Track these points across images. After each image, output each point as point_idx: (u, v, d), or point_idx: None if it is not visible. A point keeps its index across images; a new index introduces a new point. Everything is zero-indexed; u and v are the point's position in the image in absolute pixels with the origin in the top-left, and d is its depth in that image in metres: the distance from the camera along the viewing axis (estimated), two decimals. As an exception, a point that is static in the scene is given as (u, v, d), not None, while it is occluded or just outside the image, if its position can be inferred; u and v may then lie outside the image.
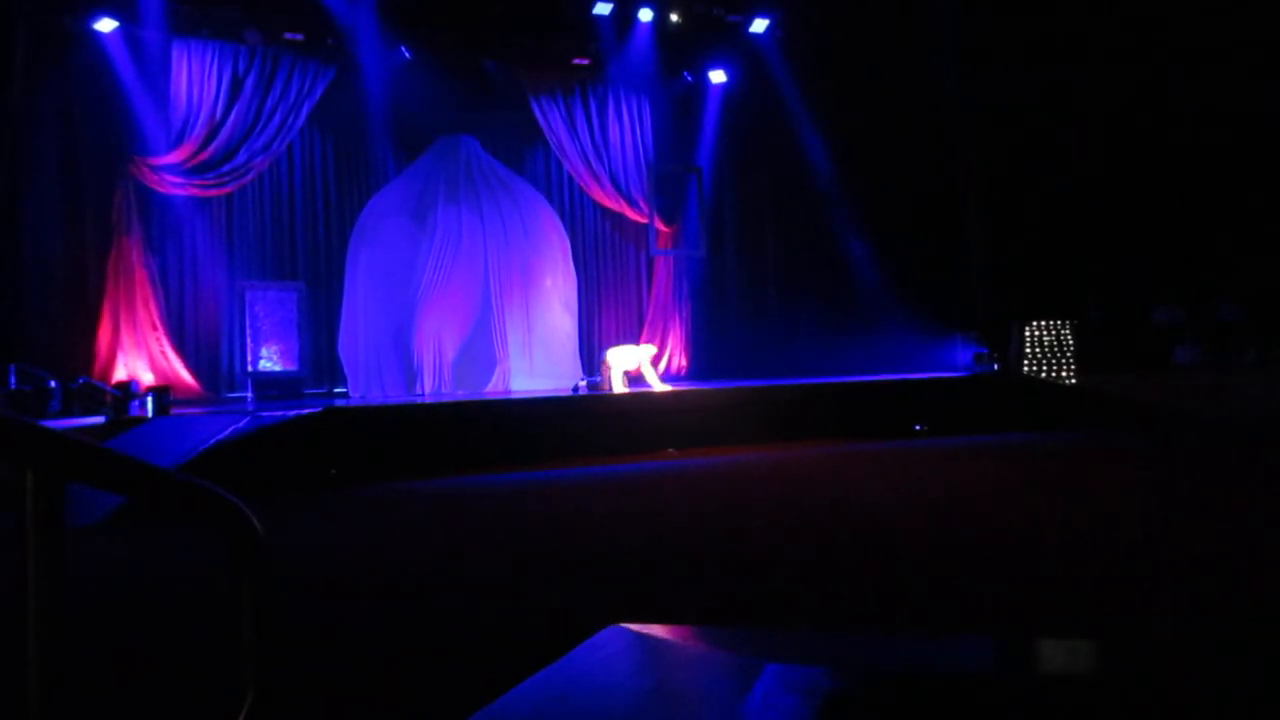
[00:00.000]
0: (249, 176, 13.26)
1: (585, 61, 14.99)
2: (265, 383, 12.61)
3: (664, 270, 16.10)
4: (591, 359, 14.09)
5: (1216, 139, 13.17)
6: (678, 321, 16.12)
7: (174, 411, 10.04)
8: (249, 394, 12.56)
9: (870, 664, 1.52)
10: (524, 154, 15.37)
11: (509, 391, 12.50)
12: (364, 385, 12.86)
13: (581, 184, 15.44)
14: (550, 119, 14.92)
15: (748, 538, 5.35)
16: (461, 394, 12.16)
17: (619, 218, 15.82)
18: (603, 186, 15.38)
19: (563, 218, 14.80)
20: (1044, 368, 12.89)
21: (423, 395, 12.19)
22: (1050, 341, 12.97)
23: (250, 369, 12.90)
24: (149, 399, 9.90)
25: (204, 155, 12.79)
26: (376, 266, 12.83)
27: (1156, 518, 5.54)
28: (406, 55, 13.94)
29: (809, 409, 11.04)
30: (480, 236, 13.04)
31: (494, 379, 12.88)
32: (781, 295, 15.83)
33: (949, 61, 14.36)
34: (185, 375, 12.64)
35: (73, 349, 11.81)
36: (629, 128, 15.62)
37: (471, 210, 13.10)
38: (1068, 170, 13.85)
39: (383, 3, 12.98)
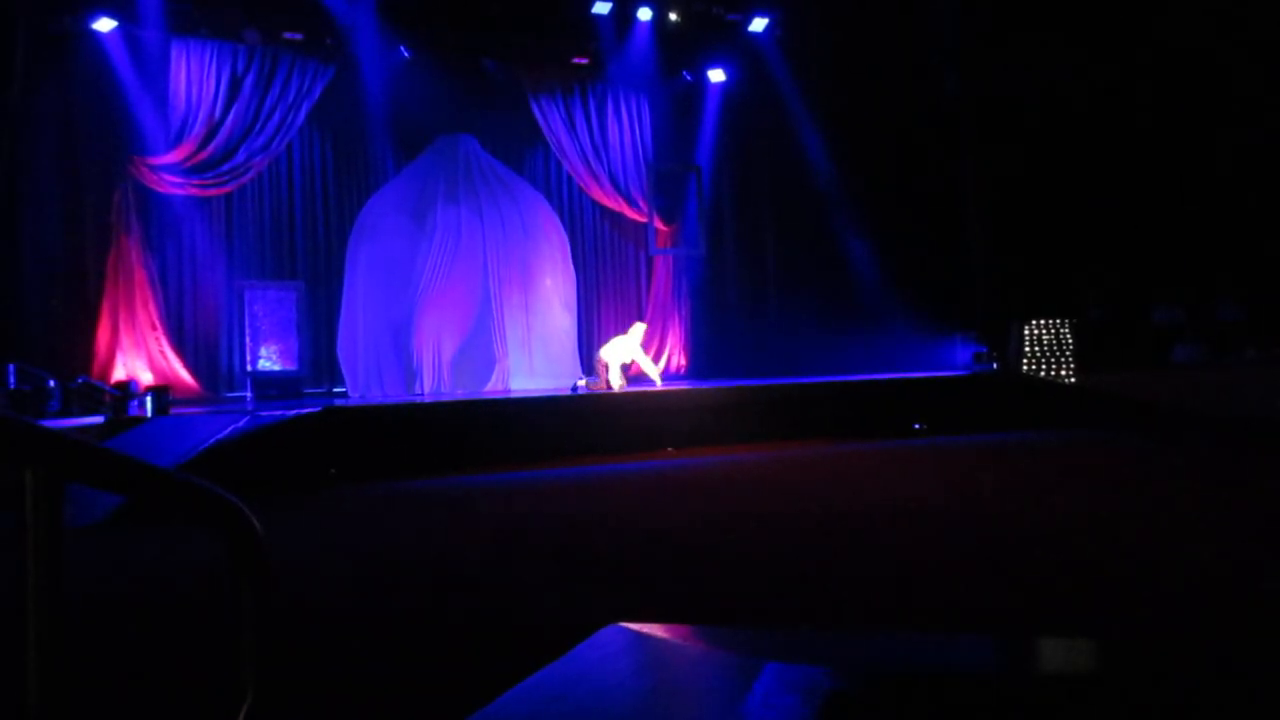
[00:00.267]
0: (248, 176, 13.26)
1: (584, 61, 14.99)
2: (264, 382, 12.61)
3: (663, 269, 16.10)
4: (591, 358, 14.09)
5: (1216, 138, 13.17)
6: (677, 320, 16.13)
7: (173, 411, 10.04)
8: (248, 393, 12.56)
9: (870, 663, 1.52)
10: (523, 153, 15.36)
11: (508, 391, 12.50)
12: (363, 385, 12.86)
13: (581, 183, 15.44)
14: (549, 118, 14.91)
15: (746, 536, 5.34)
16: (460, 393, 12.16)
17: (618, 217, 15.82)
18: (602, 186, 15.38)
19: (562, 217, 14.80)
20: (1043, 367, 12.89)
21: (422, 395, 12.18)
22: (1050, 340, 12.98)
23: (249, 368, 12.90)
24: (148, 398, 9.90)
25: (203, 155, 12.78)
26: (376, 266, 12.82)
27: (1154, 517, 5.54)
28: (406, 54, 13.94)
29: (808, 408, 11.03)
30: (479, 236, 13.03)
31: (493, 378, 12.88)
32: (781, 294, 15.83)
33: (948, 60, 14.36)
34: (184, 375, 12.64)
35: (72, 348, 11.82)
36: (628, 127, 15.62)
37: (471, 209, 13.10)
38: (1067, 169, 13.85)
39: (382, 2, 12.98)
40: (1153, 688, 1.31)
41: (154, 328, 12.53)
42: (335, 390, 13.57)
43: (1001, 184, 14.28)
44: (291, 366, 13.14)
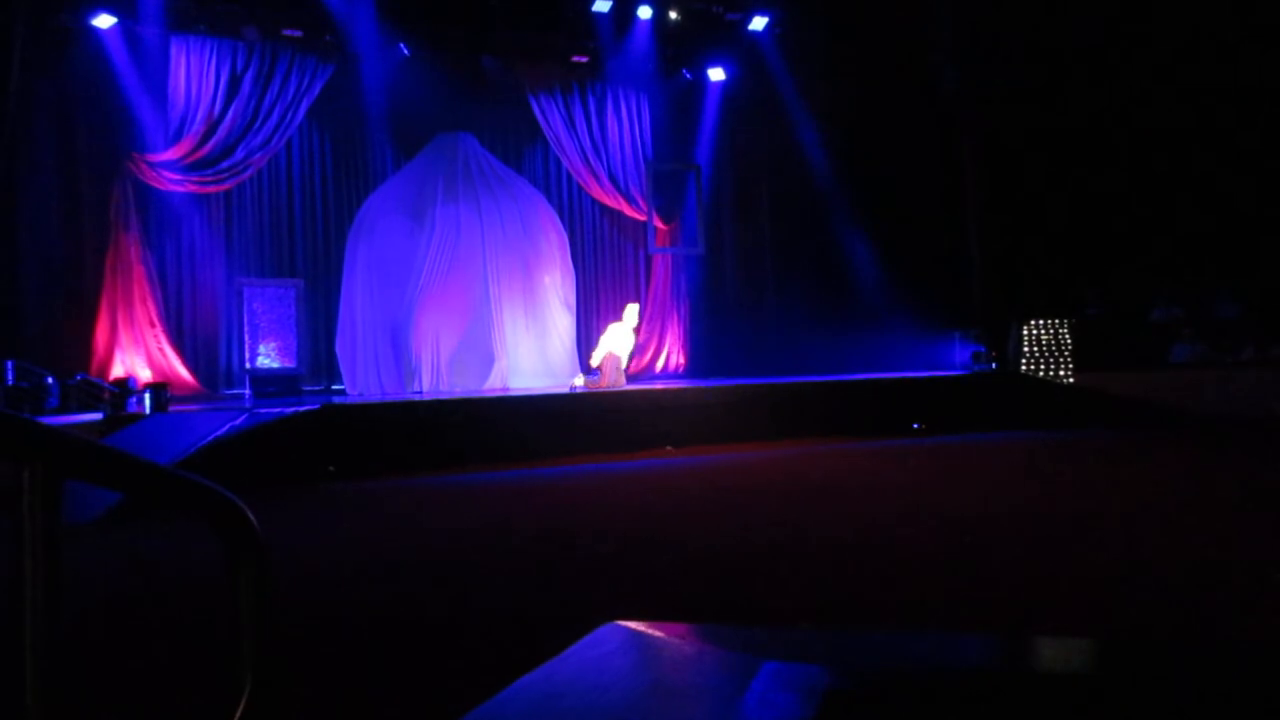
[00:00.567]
0: (247, 173, 13.25)
1: (584, 59, 14.98)
2: (263, 380, 12.61)
3: (662, 268, 16.10)
4: (589, 356, 14.09)
5: (1215, 137, 13.17)
6: (676, 319, 16.13)
7: (172, 408, 10.04)
8: (247, 391, 12.56)
9: (868, 662, 1.52)
10: (522, 151, 15.37)
11: (507, 389, 12.50)
12: (361, 382, 12.86)
13: (580, 181, 15.44)
14: (549, 116, 14.91)
15: (744, 534, 5.35)
16: (459, 391, 12.16)
17: (617, 215, 15.82)
18: (601, 184, 15.37)
19: (561, 215, 14.79)
20: (1042, 366, 12.90)
21: (420, 392, 12.18)
22: (1048, 340, 12.98)
23: (248, 366, 12.90)
24: (147, 395, 9.90)
25: (202, 152, 12.78)
26: (374, 263, 12.82)
27: (1153, 516, 5.55)
28: (405, 52, 13.94)
29: (807, 407, 11.04)
30: (478, 234, 13.03)
31: (492, 376, 12.88)
32: (779, 293, 15.83)
33: (948, 58, 14.36)
34: (183, 372, 12.64)
35: (70, 346, 11.81)
36: (627, 125, 15.62)
37: (470, 207, 13.09)
38: (1066, 168, 13.85)
39: (381, -1, 12.99)
40: (1152, 687, 1.31)
41: (153, 325, 12.53)
42: (334, 388, 13.57)
43: (1000, 182, 14.28)
44: (290, 364, 13.14)
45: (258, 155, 13.19)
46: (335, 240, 13.92)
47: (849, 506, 6.27)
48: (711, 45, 15.45)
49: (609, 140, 15.40)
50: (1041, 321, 13.04)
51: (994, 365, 13.38)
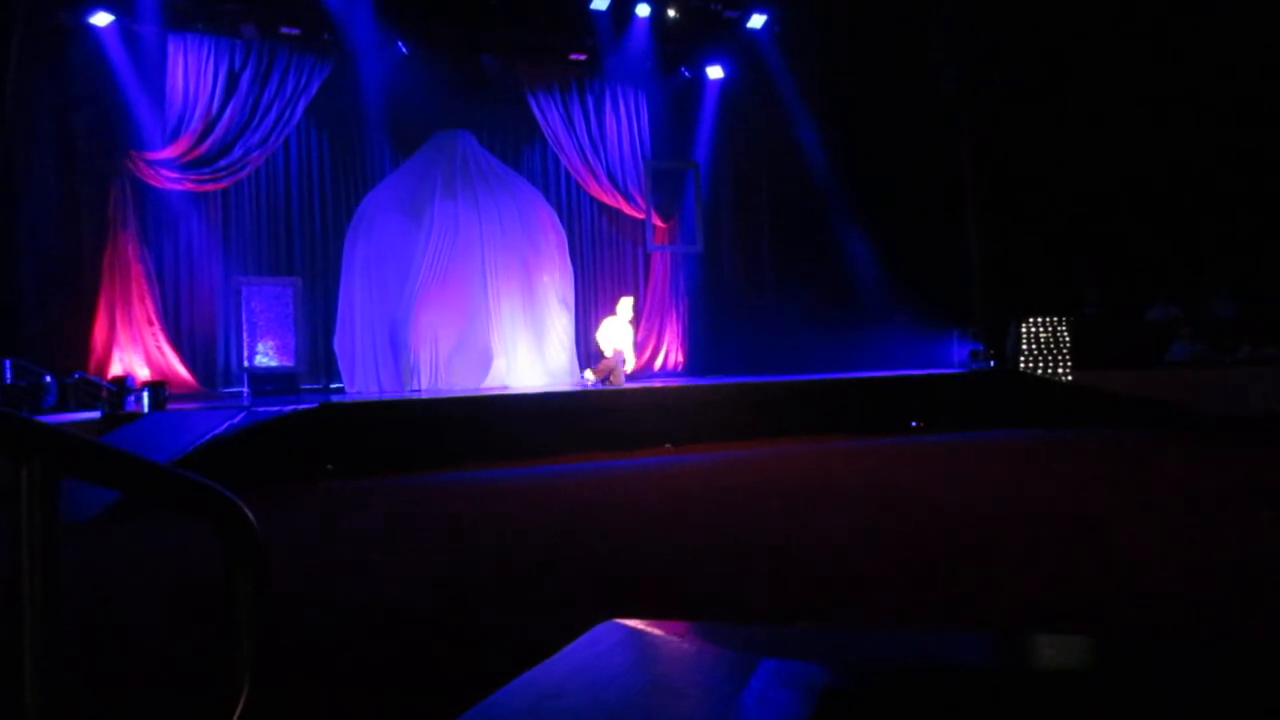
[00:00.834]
0: (245, 171, 13.24)
1: (582, 57, 14.97)
2: (261, 378, 12.59)
3: (661, 266, 16.11)
4: (588, 355, 14.10)
5: (1214, 135, 13.18)
6: (674, 317, 16.14)
7: (170, 407, 10.03)
8: (245, 389, 12.55)
9: (867, 660, 1.52)
10: (521, 149, 15.36)
11: (505, 387, 12.50)
12: (360, 381, 12.85)
13: (578, 179, 15.43)
14: (547, 114, 14.91)
15: (743, 533, 5.35)
16: (457, 389, 12.16)
17: (616, 213, 15.82)
18: (600, 182, 15.37)
19: (560, 213, 14.78)
20: (1040, 364, 12.90)
21: (419, 391, 12.18)
22: (1046, 338, 12.98)
23: (246, 364, 12.89)
24: (145, 394, 9.89)
25: (200, 150, 12.77)
26: (372, 262, 12.81)
27: (1151, 514, 5.55)
28: (403, 50, 13.93)
29: (806, 405, 11.05)
30: (477, 232, 13.02)
31: (490, 374, 12.87)
32: (778, 291, 15.84)
33: (947, 57, 14.35)
34: (181, 370, 12.64)
35: (68, 344, 11.81)
36: (626, 123, 15.62)
37: (468, 205, 13.08)
38: (1065, 167, 13.85)
39: (380, -3, 12.98)
40: (1151, 685, 1.32)
41: (151, 323, 12.52)
42: (332, 386, 13.57)
43: (999, 181, 14.28)
44: (288, 362, 13.13)
45: (256, 153, 13.18)
46: (333, 239, 13.91)
47: (848, 505, 6.28)
48: (710, 43, 15.44)
49: (607, 138, 15.40)
50: (1040, 320, 13.05)
51: (992, 363, 13.39)
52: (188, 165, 12.71)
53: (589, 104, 15.28)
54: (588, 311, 15.19)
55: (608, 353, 12.16)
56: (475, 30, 14.00)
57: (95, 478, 1.26)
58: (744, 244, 16.33)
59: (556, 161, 15.42)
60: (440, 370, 12.68)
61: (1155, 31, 13.12)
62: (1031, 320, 13.08)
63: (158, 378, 11.56)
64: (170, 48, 12.71)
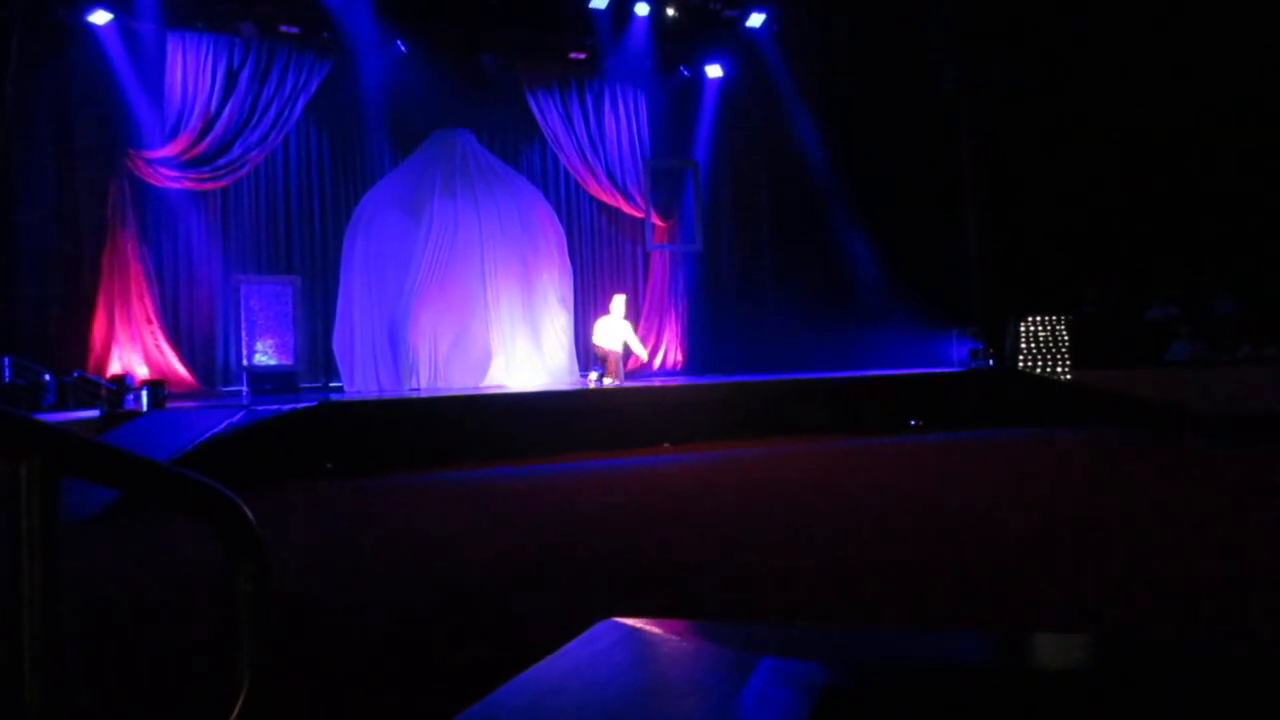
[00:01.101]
0: (244, 170, 13.24)
1: (581, 56, 14.97)
2: (260, 376, 12.60)
3: (660, 265, 16.11)
4: (587, 354, 14.11)
5: (1213, 134, 13.18)
6: (674, 316, 16.14)
7: (169, 405, 10.03)
8: (244, 388, 12.55)
9: (867, 659, 1.52)
10: (520, 148, 15.36)
11: (504, 386, 12.51)
12: (359, 379, 12.85)
13: (578, 178, 15.44)
14: (546, 113, 14.91)
15: (741, 533, 5.35)
16: (456, 388, 12.16)
17: (615, 212, 15.82)
18: (599, 181, 15.37)
19: (559, 212, 14.79)
20: (1039, 363, 12.91)
21: (418, 389, 12.18)
22: (1046, 337, 12.99)
23: (245, 363, 12.89)
24: (144, 393, 9.89)
25: (199, 149, 12.76)
26: (371, 260, 12.81)
27: (1150, 513, 5.56)
28: (402, 49, 13.93)
29: (804, 404, 11.05)
30: (476, 230, 13.02)
31: (489, 373, 12.88)
32: (778, 290, 15.85)
33: (946, 56, 14.35)
34: (180, 369, 12.64)
35: (68, 343, 11.81)
36: (625, 122, 15.62)
37: (467, 204, 13.08)
38: (1064, 166, 13.86)
39: (378, -4, 12.98)
40: (1149, 683, 1.32)
41: (150, 322, 12.52)
42: (331, 385, 13.57)
43: (998, 180, 14.29)
44: (287, 361, 13.13)
45: (254, 152, 13.18)
46: (332, 237, 13.91)
47: (847, 504, 6.28)
48: (709, 42, 15.45)
49: (607, 137, 15.40)
50: (1039, 319, 13.05)
51: (991, 362, 13.40)
52: (187, 164, 12.71)
53: (588, 103, 15.28)
54: (587, 310, 15.20)
55: (606, 348, 12.14)
56: (475, 29, 14.01)
57: (95, 476, 1.26)
58: (743, 243, 16.33)
59: (556, 160, 15.42)
60: (439, 369, 12.68)
61: (1155, 31, 13.12)
62: (1031, 319, 13.09)
63: (157, 376, 11.56)
64: (169, 46, 12.71)
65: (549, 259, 13.66)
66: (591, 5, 13.96)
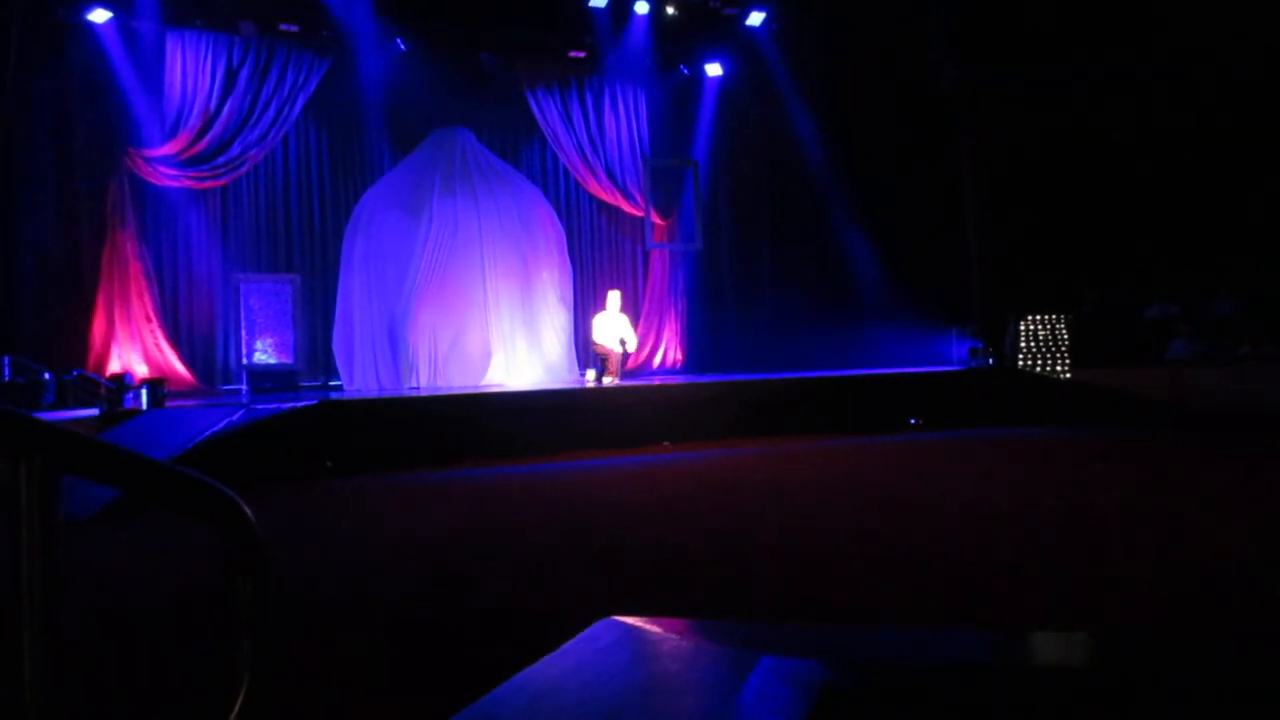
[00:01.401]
0: (243, 169, 13.24)
1: (581, 54, 14.97)
2: (260, 375, 12.61)
3: (659, 263, 16.11)
4: (587, 352, 14.11)
5: (1213, 133, 13.19)
6: (673, 315, 16.14)
7: (168, 404, 10.03)
8: (244, 386, 12.56)
9: (866, 657, 1.52)
10: (519, 147, 15.35)
11: (504, 385, 12.51)
12: (359, 378, 12.85)
13: (577, 177, 15.43)
14: (546, 112, 14.90)
15: (740, 532, 5.35)
16: (456, 387, 12.16)
17: (615, 211, 15.82)
18: (598, 179, 15.36)
19: (558, 211, 14.78)
20: (1039, 362, 12.91)
21: (417, 388, 12.18)
22: (1045, 336, 13.00)
23: (245, 361, 12.89)
24: (143, 391, 9.89)
25: (198, 147, 12.76)
26: (371, 259, 12.80)
27: (1149, 512, 5.56)
28: (402, 47, 13.92)
29: (804, 403, 11.05)
30: (475, 229, 13.01)
31: (489, 372, 12.88)
32: (777, 289, 15.84)
33: (946, 55, 14.35)
34: (180, 368, 12.64)
35: (67, 341, 11.81)
36: (625, 121, 15.62)
37: (467, 203, 13.07)
38: (1064, 165, 13.86)
39: (378, -6, 12.97)
40: (1148, 681, 1.32)
41: (149, 320, 12.51)
42: (331, 383, 13.57)
43: (998, 179, 14.29)
44: (287, 359, 13.13)
45: (254, 150, 13.17)
46: (332, 236, 13.90)
47: (847, 504, 6.28)
48: (708, 40, 15.44)
49: (606, 136, 15.39)
50: (1039, 318, 13.06)
51: (991, 361, 13.40)
52: (186, 162, 12.70)
53: (588, 101, 15.28)
54: (586, 309, 15.19)
55: (607, 348, 12.13)
56: (474, 27, 14.00)
57: (95, 475, 1.26)
58: (743, 242, 16.33)
59: (555, 159, 15.42)
60: (439, 367, 12.68)
61: (1155, 30, 13.12)
62: (1030, 318, 13.10)
63: (156, 375, 11.55)
64: (169, 44, 12.70)
65: (549, 258, 13.66)
66: (591, 4, 13.96)
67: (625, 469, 8.36)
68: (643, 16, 14.47)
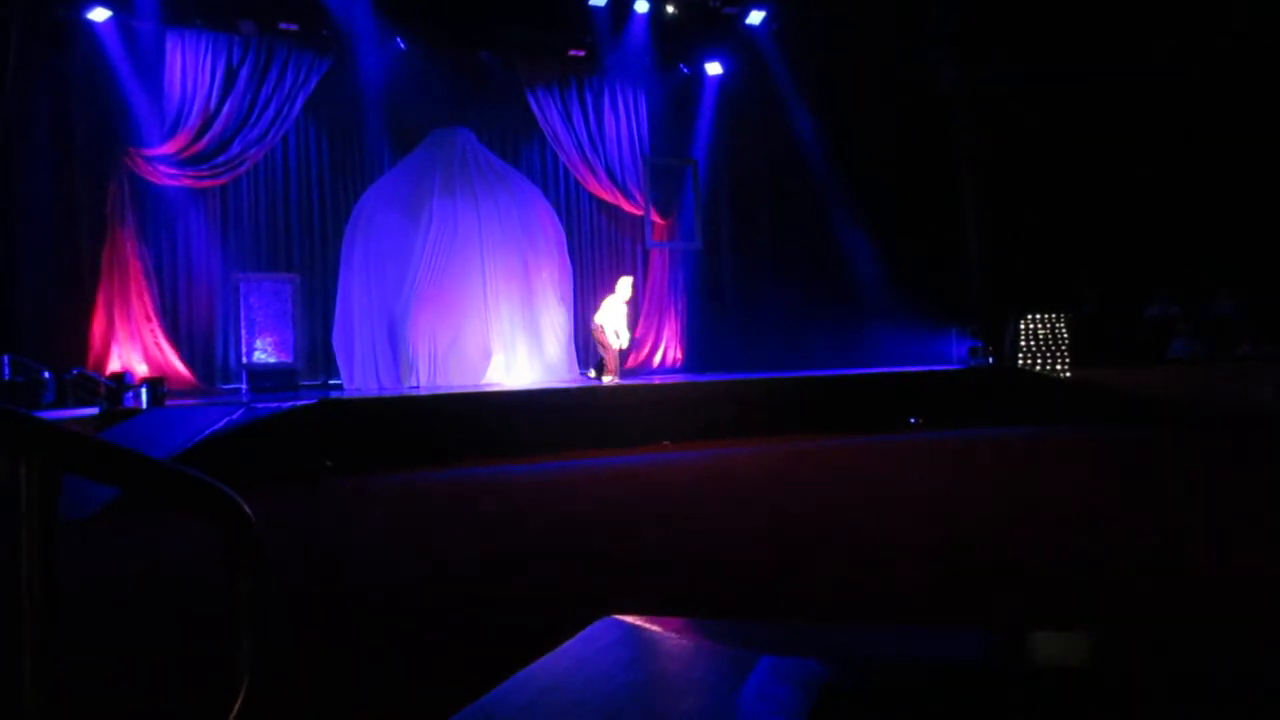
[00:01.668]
0: (243, 168, 13.23)
1: (581, 53, 14.96)
2: (260, 374, 12.60)
3: (659, 263, 16.10)
4: (587, 351, 14.10)
5: (1212, 133, 13.18)
6: (673, 314, 16.14)
7: (168, 403, 10.03)
8: (243, 386, 12.55)
9: (866, 656, 1.52)
10: (519, 146, 15.35)
11: (503, 384, 12.51)
12: (358, 377, 12.85)
13: (577, 176, 15.43)
14: (546, 111, 14.89)
15: (740, 531, 5.36)
16: (456, 386, 12.16)
17: (615, 210, 15.81)
18: (598, 179, 15.36)
19: (558, 210, 14.77)
20: (1039, 361, 12.91)
21: (417, 387, 12.18)
22: (1045, 335, 12.99)
23: (245, 361, 12.89)
24: (143, 390, 9.89)
25: (198, 146, 12.75)
26: (371, 258, 12.80)
27: (1149, 511, 5.56)
28: (402, 47, 13.91)
29: (804, 401, 11.06)
30: (475, 229, 13.00)
31: (488, 371, 12.88)
32: (777, 288, 15.84)
33: (946, 55, 14.35)
34: (180, 367, 12.63)
35: (67, 340, 11.80)
36: (625, 120, 15.61)
37: (467, 202, 13.07)
38: (1064, 164, 13.86)
39: (378, -7, 12.96)
40: (1148, 680, 1.32)
41: (149, 319, 12.51)
42: (331, 383, 13.57)
43: (998, 178, 14.29)
44: (287, 359, 13.12)
45: (254, 150, 13.17)
46: (332, 235, 13.89)
47: (847, 503, 6.28)
48: (708, 39, 15.43)
49: (606, 135, 15.39)
50: (1039, 317, 13.06)
51: (991, 360, 13.40)
52: (186, 161, 12.70)
53: (588, 101, 15.27)
54: (586, 308, 15.18)
55: (608, 338, 12.05)
56: (474, 27, 13.99)
57: (95, 474, 1.26)
58: (743, 241, 16.33)
59: (555, 158, 15.41)
60: (439, 367, 12.67)
61: (1154, 30, 13.12)
62: (1030, 317, 13.09)
63: (156, 374, 11.55)
64: (168, 44, 12.69)
65: (548, 257, 13.65)
66: (591, 3, 13.94)
67: (625, 468, 8.36)
68: (642, 15, 14.46)
